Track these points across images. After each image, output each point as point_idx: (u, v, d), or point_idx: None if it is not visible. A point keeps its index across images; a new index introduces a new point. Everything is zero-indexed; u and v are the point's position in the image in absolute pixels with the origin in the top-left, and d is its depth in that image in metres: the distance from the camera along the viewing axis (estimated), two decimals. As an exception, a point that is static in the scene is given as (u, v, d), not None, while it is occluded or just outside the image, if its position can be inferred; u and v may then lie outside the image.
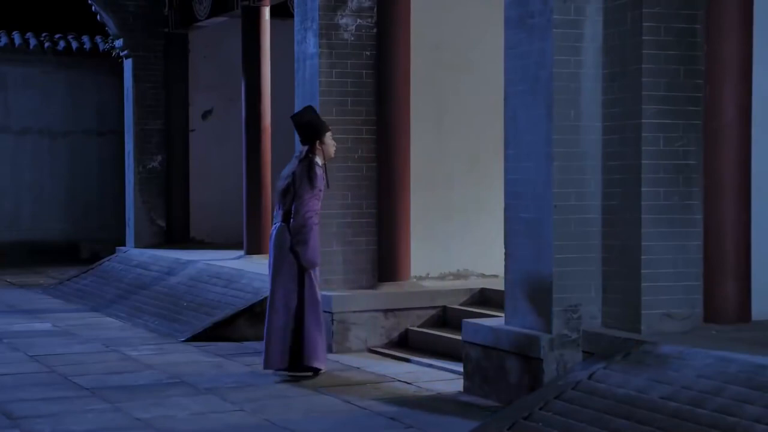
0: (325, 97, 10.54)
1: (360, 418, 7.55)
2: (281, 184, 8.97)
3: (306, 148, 9.00)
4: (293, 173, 8.88)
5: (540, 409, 6.60)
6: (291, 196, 8.84)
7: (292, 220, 8.83)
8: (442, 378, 8.92)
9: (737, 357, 6.30)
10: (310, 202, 8.80)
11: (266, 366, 8.94)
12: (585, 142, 7.65)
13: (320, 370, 8.97)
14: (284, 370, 8.92)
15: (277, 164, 14.61)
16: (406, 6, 10.66)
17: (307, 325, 8.84)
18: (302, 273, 8.88)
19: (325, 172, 9.00)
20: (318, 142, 8.99)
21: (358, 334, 10.33)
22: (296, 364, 8.89)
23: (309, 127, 9.04)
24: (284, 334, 8.85)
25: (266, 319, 8.98)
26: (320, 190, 8.88)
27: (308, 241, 8.80)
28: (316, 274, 9.01)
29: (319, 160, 8.97)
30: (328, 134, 9.08)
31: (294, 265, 8.86)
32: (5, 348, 10.67)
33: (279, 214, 8.96)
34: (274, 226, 9.03)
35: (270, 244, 9.03)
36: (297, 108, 10.97)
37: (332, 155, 9.18)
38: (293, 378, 8.86)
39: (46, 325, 12.27)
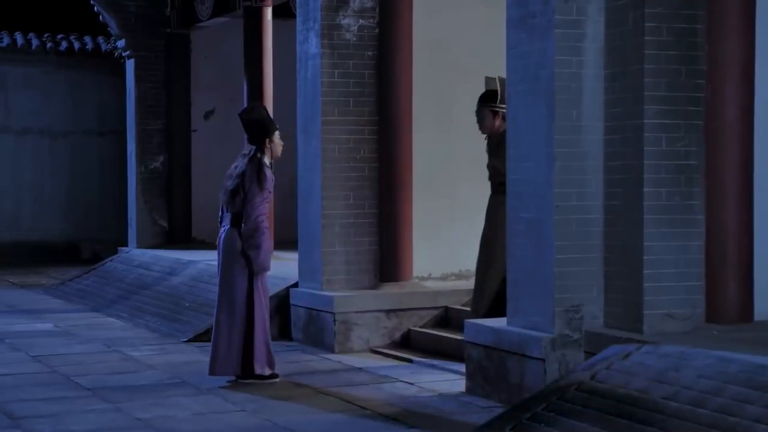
0: (327, 98, 10.54)
1: (362, 418, 7.54)
2: (230, 184, 8.79)
3: (254, 147, 8.85)
4: (242, 174, 8.74)
5: (542, 409, 6.60)
6: (241, 197, 8.70)
7: (243, 224, 8.68)
8: (444, 378, 8.91)
9: (738, 357, 6.30)
10: (261, 205, 8.66)
11: (212, 372, 8.78)
12: (586, 142, 7.64)
13: (273, 376, 8.83)
14: (235, 376, 8.78)
15: (279, 164, 14.61)
16: (408, 6, 10.67)
17: (255, 332, 8.72)
18: (251, 278, 8.75)
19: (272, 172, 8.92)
20: (267, 141, 8.87)
21: (360, 334, 10.33)
22: (248, 371, 8.77)
23: (258, 125, 8.89)
24: (230, 341, 8.73)
25: (213, 325, 8.89)
26: (269, 192, 8.75)
27: (261, 245, 8.66)
28: (265, 279, 8.86)
29: (267, 159, 8.84)
30: (277, 133, 8.93)
31: (244, 269, 8.73)
32: (7, 348, 10.67)
33: (227, 217, 8.80)
34: (222, 229, 8.86)
35: (219, 248, 8.90)
36: (299, 108, 11.00)
37: (279, 155, 9.05)
38: (238, 383, 8.73)
39: (48, 326, 12.27)
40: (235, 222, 8.74)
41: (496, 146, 9.19)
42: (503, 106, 9.14)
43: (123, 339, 11.26)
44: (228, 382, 8.77)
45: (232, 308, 8.74)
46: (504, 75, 8.38)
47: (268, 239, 8.76)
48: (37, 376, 9.21)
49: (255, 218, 8.64)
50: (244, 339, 8.72)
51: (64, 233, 20.41)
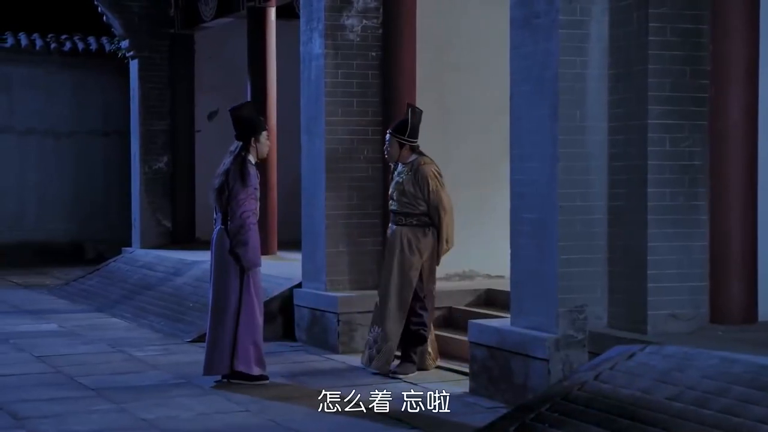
0: (331, 98, 10.54)
1: (365, 418, 7.54)
2: (216, 182, 8.83)
3: (239, 144, 8.86)
4: (227, 171, 8.75)
5: (546, 409, 6.60)
6: (226, 195, 8.72)
7: (229, 222, 8.70)
8: (448, 378, 8.91)
9: (742, 358, 6.29)
10: (246, 202, 8.65)
11: (207, 372, 8.79)
12: (590, 143, 7.64)
13: (261, 377, 8.77)
14: (224, 376, 8.76)
15: (283, 165, 14.64)
16: (412, 6, 10.65)
17: (240, 329, 8.70)
18: (242, 276, 8.74)
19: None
20: (253, 139, 8.86)
21: (364, 334, 10.29)
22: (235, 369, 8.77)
23: (246, 122, 8.90)
24: (223, 341, 8.70)
25: (208, 325, 8.89)
26: (255, 189, 8.72)
27: (247, 241, 8.64)
28: (257, 276, 8.84)
29: (252, 158, 8.84)
30: (264, 134, 8.93)
31: (235, 268, 8.72)
32: (11, 348, 10.68)
33: (219, 217, 8.81)
34: (215, 229, 8.87)
35: (211, 248, 8.91)
36: (303, 109, 11.00)
37: (264, 155, 9.05)
38: (232, 384, 8.69)
39: (52, 326, 12.28)
40: (226, 221, 8.77)
41: (412, 175, 9.12)
42: (411, 139, 9.19)
43: (127, 339, 11.27)
44: (215, 381, 8.77)
45: (224, 308, 8.74)
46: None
47: (254, 235, 8.72)
48: (41, 376, 9.22)
49: (240, 215, 8.64)
50: (233, 339, 8.71)
51: (68, 233, 20.40)
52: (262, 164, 14.23)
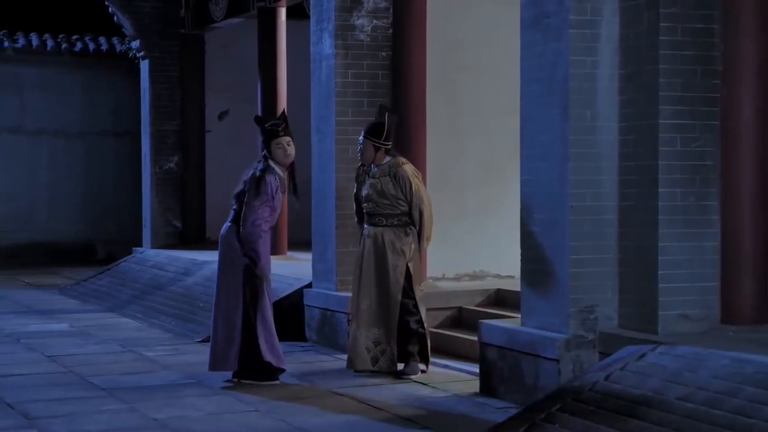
0: (341, 98, 10.55)
1: (375, 418, 7.54)
2: (237, 188, 8.85)
3: (264, 152, 8.90)
4: (248, 179, 8.78)
5: (556, 410, 6.59)
6: (243, 200, 8.75)
7: (241, 225, 8.70)
8: (458, 379, 8.91)
9: (753, 358, 6.28)
10: (259, 209, 8.62)
11: (212, 368, 8.80)
12: (601, 143, 7.63)
13: (270, 375, 8.76)
14: (233, 374, 8.79)
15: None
16: (422, 6, 10.66)
17: (259, 324, 8.68)
18: (247, 272, 8.72)
19: (291, 176, 8.90)
20: (268, 147, 8.85)
21: (373, 334, 10.31)
22: (247, 369, 8.75)
23: (261, 131, 8.97)
24: (229, 336, 8.71)
25: (212, 321, 8.90)
26: (269, 196, 8.66)
27: (258, 250, 8.64)
28: (268, 281, 8.85)
29: (275, 165, 8.80)
30: (275, 141, 8.82)
31: (240, 265, 8.71)
32: (22, 348, 10.70)
33: (232, 213, 8.85)
34: (225, 224, 8.92)
35: (219, 242, 8.94)
36: (313, 109, 11.02)
37: (281, 161, 8.87)
38: (242, 384, 8.71)
39: (63, 326, 12.31)
40: (236, 218, 8.79)
41: (391, 176, 9.02)
42: (387, 143, 9.09)
43: (138, 339, 11.29)
44: (226, 381, 8.78)
45: (231, 303, 8.74)
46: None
47: (265, 243, 8.72)
48: (52, 376, 9.24)
49: (252, 221, 8.64)
50: (242, 336, 8.72)
51: (79, 234, 20.44)
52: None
